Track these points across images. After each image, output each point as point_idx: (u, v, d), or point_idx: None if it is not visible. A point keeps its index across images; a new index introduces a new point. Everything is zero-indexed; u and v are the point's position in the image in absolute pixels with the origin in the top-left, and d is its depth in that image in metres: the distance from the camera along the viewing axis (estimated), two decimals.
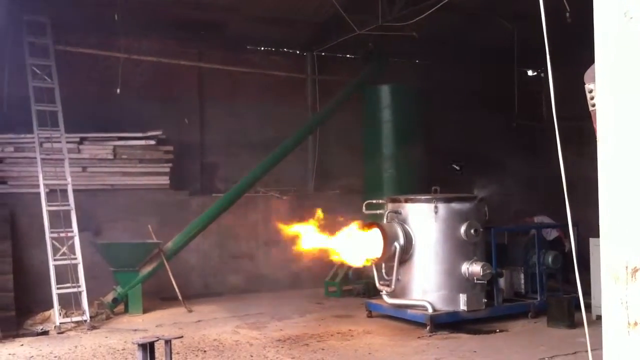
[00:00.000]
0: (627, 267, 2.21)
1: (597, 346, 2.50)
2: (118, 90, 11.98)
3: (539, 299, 10.36)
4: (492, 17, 13.49)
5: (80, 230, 10.66)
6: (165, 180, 12.73)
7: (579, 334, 8.50)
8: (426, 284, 9.91)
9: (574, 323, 9.25)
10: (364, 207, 10.92)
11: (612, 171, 2.30)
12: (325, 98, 14.02)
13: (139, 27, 12.22)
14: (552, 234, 11.82)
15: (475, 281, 9.75)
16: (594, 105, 2.56)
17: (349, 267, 12.30)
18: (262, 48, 14.57)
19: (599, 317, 2.39)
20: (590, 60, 2.54)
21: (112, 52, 12.39)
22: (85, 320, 9.92)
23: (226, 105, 13.86)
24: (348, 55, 14.99)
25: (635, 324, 2.19)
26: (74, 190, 10.85)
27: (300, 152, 13.94)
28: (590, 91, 2.68)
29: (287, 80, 14.40)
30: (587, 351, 3.69)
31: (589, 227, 6.57)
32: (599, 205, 2.35)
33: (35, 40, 11.26)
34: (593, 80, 2.50)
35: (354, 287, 12.60)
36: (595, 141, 2.43)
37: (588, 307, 9.28)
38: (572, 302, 9.34)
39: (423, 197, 10.17)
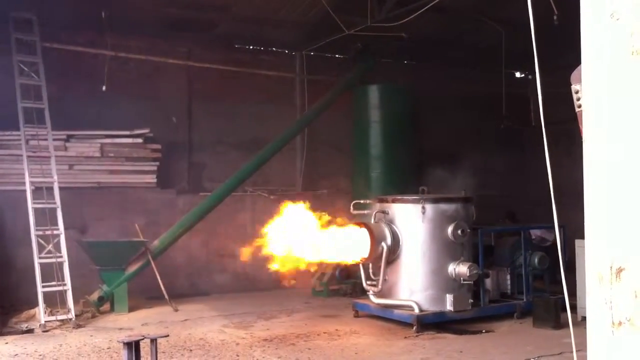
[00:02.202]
0: (611, 267, 2.22)
1: (583, 347, 2.50)
2: (104, 88, 11.92)
3: (525, 299, 10.40)
4: (480, 19, 13.54)
5: (66, 228, 10.59)
6: (152, 179, 12.69)
7: (564, 334, 8.54)
8: (413, 284, 9.93)
9: (559, 324, 9.30)
10: (351, 207, 10.93)
11: (597, 171, 2.31)
12: (314, 98, 14.01)
13: (127, 25, 12.17)
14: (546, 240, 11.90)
15: (462, 281, 9.78)
16: (580, 106, 2.57)
17: (337, 267, 12.31)
18: (251, 47, 14.55)
19: (585, 318, 2.40)
20: (578, 62, 2.55)
21: (99, 50, 12.33)
22: (71, 319, 9.87)
23: (214, 104, 13.82)
24: (337, 55, 14.99)
25: (620, 323, 2.20)
26: (60, 188, 10.78)
27: (288, 151, 13.94)
28: (577, 92, 2.69)
29: (276, 79, 14.38)
30: (572, 352, 3.70)
31: (576, 229, 6.62)
32: (584, 205, 2.36)
33: (22, 37, 11.18)
34: (579, 81, 2.51)
35: (341, 287, 12.61)
36: (582, 143, 2.44)
37: (574, 308, 9.35)
38: (558, 303, 9.39)
39: (410, 197, 10.19)
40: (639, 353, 2.18)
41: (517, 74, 17.22)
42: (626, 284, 2.20)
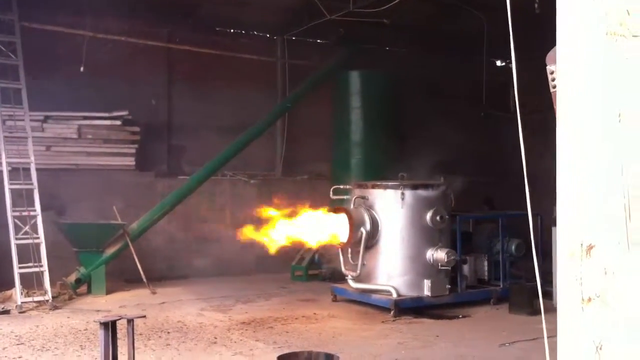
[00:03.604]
0: (582, 244, 2.25)
1: (555, 333, 2.53)
2: (82, 69, 11.81)
3: (501, 286, 10.52)
4: (462, 6, 13.55)
5: (43, 209, 10.50)
6: (130, 162, 12.62)
7: (539, 320, 8.59)
8: (391, 269, 9.99)
9: (535, 310, 9.40)
10: (331, 193, 10.95)
11: (570, 150, 2.33)
12: (295, 83, 13.98)
13: (107, 6, 12.02)
14: None
15: (440, 267, 9.86)
16: (554, 87, 2.59)
17: (316, 252, 12.35)
18: (233, 31, 14.46)
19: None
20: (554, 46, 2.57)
21: (78, 30, 12.19)
22: (47, 300, 9.82)
23: (195, 88, 13.74)
24: (319, 41, 14.94)
25: (590, 300, 2.23)
26: (38, 169, 10.67)
27: (268, 136, 13.92)
28: (552, 72, 2.71)
29: (257, 63, 14.30)
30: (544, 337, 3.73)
31: (553, 217, 6.68)
32: (557, 184, 2.39)
33: (0, 16, 11.01)
34: (554, 61, 2.53)
35: (320, 272, 12.65)
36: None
37: (549, 294, 9.46)
38: (533, 290, 9.47)
39: (390, 183, 10.22)
40: (608, 329, 2.21)
41: (498, 62, 17.28)
42: (596, 261, 2.23)
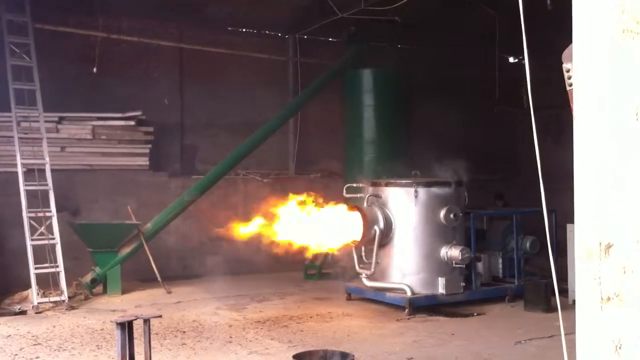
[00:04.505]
0: (600, 244, 2.24)
1: (572, 330, 2.52)
2: (95, 69, 11.88)
3: (516, 283, 10.48)
4: (474, 3, 13.50)
5: (58, 210, 10.57)
6: (144, 161, 12.68)
7: (555, 318, 8.57)
8: (405, 267, 9.98)
9: (550, 307, 9.36)
10: (344, 191, 10.94)
11: (587, 149, 2.32)
12: (307, 81, 13.98)
13: (119, 6, 12.09)
14: None
15: (454, 265, 9.83)
16: (571, 85, 2.58)
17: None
18: (244, 30, 14.48)
19: (575, 302, 2.43)
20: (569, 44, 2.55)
21: (91, 31, 12.26)
22: (64, 301, 9.88)
23: (207, 87, 13.78)
24: (330, 39, 14.93)
25: (609, 299, 2.22)
26: (52, 170, 10.74)
27: (281, 134, 13.92)
28: (568, 70, 2.70)
29: (269, 62, 14.33)
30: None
31: (566, 214, 6.64)
32: (574, 181, 2.38)
33: (13, 18, 11.09)
34: (570, 59, 2.52)
35: (334, 270, 12.63)
36: (573, 125, 2.45)
37: (565, 291, 9.43)
38: (548, 287, 9.45)
39: (403, 181, 10.20)
40: (628, 328, 2.20)
41: (511, 59, 17.20)
42: (615, 260, 2.22)
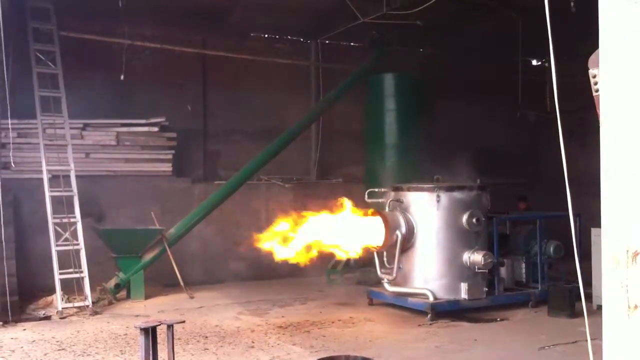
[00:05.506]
0: (627, 251, 2.22)
1: (597, 335, 2.50)
2: (122, 77, 12.00)
3: (539, 288, 10.39)
4: (497, 6, 13.44)
5: (82, 216, 10.68)
6: (168, 167, 12.76)
7: (579, 323, 8.52)
8: (427, 272, 9.94)
9: (574, 313, 9.28)
10: (366, 196, 10.92)
11: (613, 155, 2.30)
12: (329, 86, 14.00)
13: (143, 14, 12.19)
14: None
15: (477, 270, 9.77)
16: (597, 91, 2.56)
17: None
18: (266, 35, 14.55)
19: (600, 307, 2.41)
20: (594, 49, 2.54)
21: (116, 39, 12.39)
22: (88, 306, 9.96)
23: (229, 93, 13.85)
24: (352, 44, 14.95)
25: (636, 307, 2.20)
26: (77, 176, 10.86)
27: (303, 140, 13.93)
28: (594, 76, 2.68)
29: (291, 68, 14.38)
30: (587, 340, 3.69)
31: (591, 218, 6.58)
32: (601, 189, 2.36)
33: (39, 26, 11.24)
34: (597, 65, 2.50)
35: (355, 275, 12.62)
36: (598, 131, 2.43)
37: (589, 296, 9.33)
38: (573, 292, 9.36)
39: (425, 185, 10.17)
40: None
41: (534, 62, 17.09)
42: None
